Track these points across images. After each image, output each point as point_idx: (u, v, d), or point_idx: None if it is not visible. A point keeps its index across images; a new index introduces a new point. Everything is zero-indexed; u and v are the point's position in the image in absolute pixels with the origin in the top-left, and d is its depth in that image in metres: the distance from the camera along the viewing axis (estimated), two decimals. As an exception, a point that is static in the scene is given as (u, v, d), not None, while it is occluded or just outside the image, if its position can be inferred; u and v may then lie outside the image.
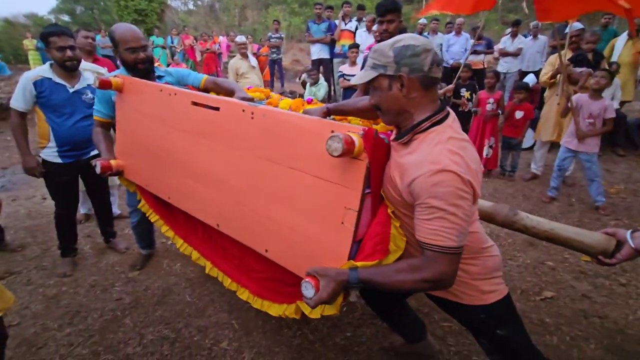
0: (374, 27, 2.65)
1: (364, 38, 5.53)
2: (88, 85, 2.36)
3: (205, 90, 2.03)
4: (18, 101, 2.23)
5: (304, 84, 6.48)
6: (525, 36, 6.23)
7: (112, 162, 1.81)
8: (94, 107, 1.99)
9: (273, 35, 7.81)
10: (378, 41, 2.40)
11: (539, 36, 5.74)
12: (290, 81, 10.86)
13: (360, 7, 6.16)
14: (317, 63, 6.38)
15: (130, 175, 1.87)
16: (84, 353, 1.81)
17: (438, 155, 0.95)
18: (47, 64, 2.29)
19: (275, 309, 1.39)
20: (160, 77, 2.03)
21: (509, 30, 6.09)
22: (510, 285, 2.25)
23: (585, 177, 3.38)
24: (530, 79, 4.83)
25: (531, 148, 4.46)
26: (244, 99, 1.74)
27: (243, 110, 1.29)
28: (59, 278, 2.41)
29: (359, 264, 1.05)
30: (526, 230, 1.32)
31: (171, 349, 1.81)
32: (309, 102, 1.94)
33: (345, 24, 6.00)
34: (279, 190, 1.22)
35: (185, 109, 1.50)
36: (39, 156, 2.38)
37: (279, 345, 1.82)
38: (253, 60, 5.39)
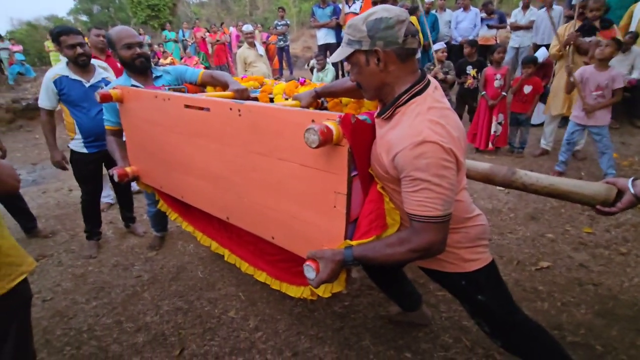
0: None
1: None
2: (102, 79, 2.53)
3: (203, 84, 2.12)
4: (43, 100, 2.45)
5: (312, 70, 6.53)
6: (543, 7, 5.97)
7: (128, 169, 1.93)
8: (103, 116, 2.09)
9: (279, 23, 7.84)
10: None
11: (554, 6, 5.49)
12: (301, 68, 10.89)
13: None
14: (324, 48, 6.38)
15: (145, 179, 1.98)
16: (109, 322, 2.02)
17: (418, 127, 0.96)
18: (64, 62, 2.47)
19: (293, 291, 1.48)
20: (158, 77, 2.12)
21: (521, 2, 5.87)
22: (507, 257, 2.30)
23: (597, 150, 3.32)
24: (541, 53, 4.68)
25: (542, 125, 4.37)
26: (237, 90, 1.82)
27: (230, 109, 1.33)
28: (86, 259, 2.64)
29: (354, 242, 1.09)
30: (525, 188, 1.32)
31: (184, 318, 2.00)
32: (302, 83, 1.98)
33: (349, 7, 5.94)
34: (273, 181, 1.27)
35: (179, 112, 1.56)
36: (68, 146, 2.60)
37: (281, 313, 1.97)
38: (260, 49, 5.46)
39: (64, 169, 2.67)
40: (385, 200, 1.16)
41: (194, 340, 1.84)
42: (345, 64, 5.21)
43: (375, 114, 1.14)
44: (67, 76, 2.41)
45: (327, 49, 6.41)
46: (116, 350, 1.82)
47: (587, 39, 3.40)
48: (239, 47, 7.48)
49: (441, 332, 1.77)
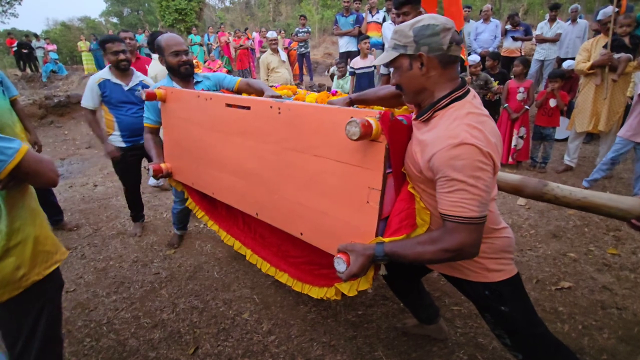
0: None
1: (392, 30, 5.49)
2: (140, 82, 2.77)
3: (239, 91, 2.21)
4: (87, 101, 2.68)
5: (332, 77, 6.58)
6: (569, 20, 5.86)
7: (162, 165, 2.02)
8: (144, 114, 2.22)
9: (300, 30, 7.96)
10: None
11: (579, 20, 5.38)
12: (321, 74, 11.00)
13: None
14: (345, 56, 6.42)
15: (177, 175, 2.06)
16: (127, 317, 2.07)
17: (456, 130, 0.98)
18: (107, 67, 2.72)
19: (316, 292, 1.48)
20: (198, 82, 2.23)
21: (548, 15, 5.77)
22: (526, 275, 2.25)
23: (636, 170, 3.19)
24: (568, 65, 4.57)
25: (566, 140, 4.26)
26: (272, 97, 1.88)
27: (271, 107, 1.38)
28: (108, 253, 2.74)
29: (386, 239, 1.11)
30: (557, 200, 1.29)
31: (199, 317, 2.03)
32: (334, 94, 2.02)
33: (372, 16, 5.98)
34: (306, 177, 1.30)
35: (220, 111, 1.63)
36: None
37: (295, 318, 1.98)
38: (283, 55, 5.55)
39: (117, 158, 2.76)
40: (416, 199, 1.17)
41: (208, 340, 1.87)
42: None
43: (413, 117, 1.17)
44: (109, 80, 2.65)
45: (348, 57, 6.44)
46: (133, 345, 1.86)
47: (617, 56, 3.31)
48: (262, 52, 7.62)
49: (456, 347, 1.74)
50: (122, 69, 2.67)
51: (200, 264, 2.54)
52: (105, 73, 2.68)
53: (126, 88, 2.69)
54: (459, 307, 2.00)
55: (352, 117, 1.02)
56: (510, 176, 1.41)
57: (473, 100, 1.07)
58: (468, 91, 1.08)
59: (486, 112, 1.06)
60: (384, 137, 1.04)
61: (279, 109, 1.36)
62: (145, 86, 2.72)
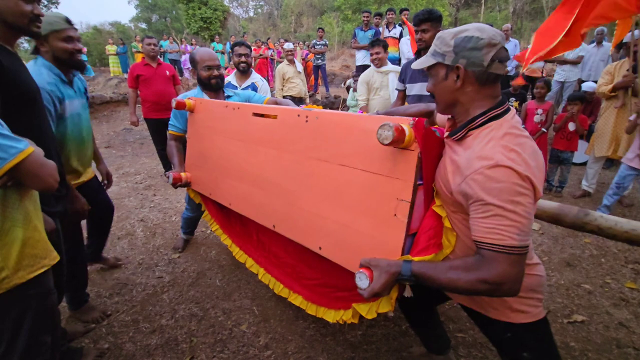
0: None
1: (409, 45, 5.50)
2: (251, 83, 3.02)
3: None
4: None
5: (348, 89, 6.61)
6: (593, 43, 5.74)
7: (182, 174, 2.06)
8: (169, 122, 2.28)
9: (318, 43, 8.09)
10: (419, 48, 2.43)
11: (604, 43, 5.26)
12: (337, 86, 11.09)
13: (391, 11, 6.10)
14: (362, 69, 6.45)
15: (196, 186, 2.08)
16: (127, 320, 2.08)
17: (490, 152, 0.91)
18: (235, 71, 3.06)
19: (331, 315, 1.41)
20: (228, 97, 2.32)
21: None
22: (536, 305, 2.15)
23: None
24: (588, 86, 4.45)
25: (584, 164, 4.13)
26: None
27: (298, 115, 1.37)
28: (115, 254, 2.76)
29: (415, 258, 1.03)
30: (600, 231, 1.19)
31: (198, 326, 2.02)
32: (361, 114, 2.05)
33: (389, 31, 6.01)
34: (329, 187, 1.26)
35: (246, 121, 1.64)
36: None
37: (293, 334, 1.94)
38: (299, 66, 5.64)
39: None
40: (443, 218, 1.10)
41: (204, 350, 1.85)
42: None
43: (446, 134, 1.11)
44: (230, 82, 2.86)
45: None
46: (130, 350, 1.86)
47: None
48: (279, 62, 7.76)
49: (457, 377, 1.67)
50: (241, 71, 2.99)
51: (203, 271, 2.54)
52: (231, 76, 3.06)
53: (238, 89, 2.93)
54: (463, 334, 1.92)
55: (384, 122, 0.98)
56: (547, 203, 1.30)
57: (512, 119, 0.98)
58: (507, 110, 1.00)
59: (526, 132, 0.98)
60: (417, 145, 0.98)
61: (307, 117, 1.34)
62: (254, 88, 3.00)
